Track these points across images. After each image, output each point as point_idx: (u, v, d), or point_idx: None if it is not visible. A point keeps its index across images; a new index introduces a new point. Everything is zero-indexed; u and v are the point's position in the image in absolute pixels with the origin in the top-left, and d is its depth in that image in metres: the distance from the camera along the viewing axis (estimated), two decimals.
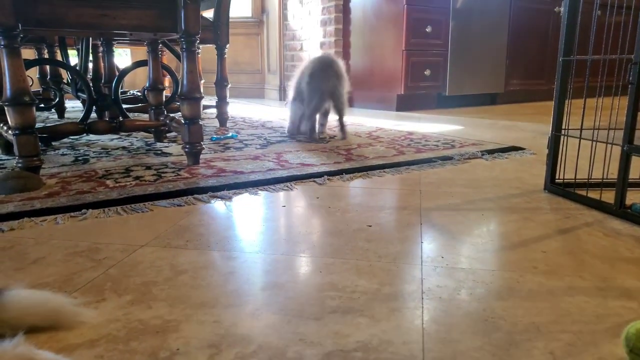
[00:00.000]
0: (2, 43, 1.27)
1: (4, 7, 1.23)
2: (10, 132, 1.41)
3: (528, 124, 2.85)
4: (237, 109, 3.85)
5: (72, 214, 1.15)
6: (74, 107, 3.76)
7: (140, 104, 2.81)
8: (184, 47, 1.53)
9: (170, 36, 1.72)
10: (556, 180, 1.35)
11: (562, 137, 1.32)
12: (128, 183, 1.40)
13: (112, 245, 0.97)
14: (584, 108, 1.24)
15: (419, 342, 0.64)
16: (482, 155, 1.86)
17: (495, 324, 0.68)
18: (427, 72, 3.67)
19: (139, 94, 3.01)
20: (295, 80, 2.27)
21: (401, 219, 1.13)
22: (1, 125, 1.68)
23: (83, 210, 1.15)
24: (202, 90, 1.67)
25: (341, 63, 2.22)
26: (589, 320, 0.69)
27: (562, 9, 1.28)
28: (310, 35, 4.26)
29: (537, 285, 0.80)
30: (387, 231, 1.06)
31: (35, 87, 3.30)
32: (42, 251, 0.94)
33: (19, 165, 1.38)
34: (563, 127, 1.32)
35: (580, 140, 1.25)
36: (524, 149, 1.99)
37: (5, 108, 1.32)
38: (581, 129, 1.24)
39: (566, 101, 1.30)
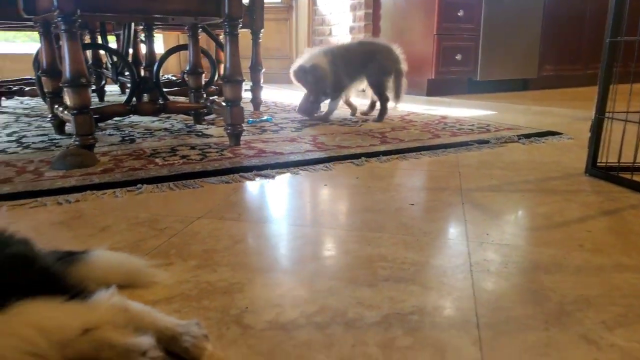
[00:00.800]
0: (63, 27, 1.33)
1: None
2: (66, 112, 1.48)
3: (563, 110, 2.81)
4: (268, 93, 3.89)
5: (128, 188, 1.21)
6: (111, 90, 3.87)
7: (175, 88, 2.88)
8: (227, 30, 1.58)
9: (211, 20, 1.76)
10: (598, 164, 1.36)
11: (605, 120, 1.32)
12: (176, 161, 1.47)
13: (170, 217, 1.03)
14: (630, 88, 1.24)
15: (471, 308, 0.68)
16: (519, 139, 1.87)
17: (545, 295, 0.71)
18: (459, 57, 3.63)
19: (174, 78, 3.08)
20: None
21: (443, 199, 1.16)
22: (56, 106, 1.76)
23: (138, 185, 1.22)
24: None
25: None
26: (639, 295, 0.71)
27: None
28: (340, 20, 4.26)
29: (584, 261, 0.82)
30: (430, 209, 1.09)
31: None
32: (107, 221, 1.00)
33: (76, 143, 1.46)
34: (607, 110, 1.31)
35: (625, 124, 1.25)
36: (561, 133, 1.98)
37: (65, 89, 1.39)
38: (627, 112, 1.23)
39: (611, 84, 1.30)
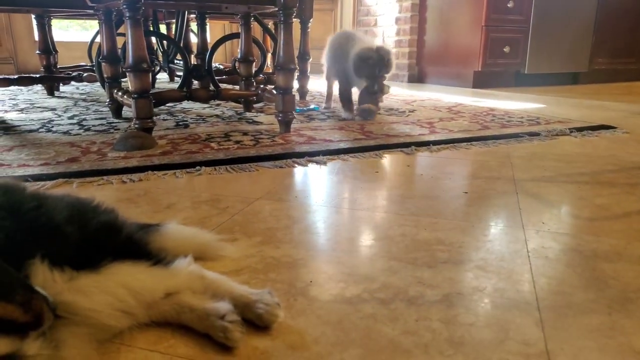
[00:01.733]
0: (127, 15, 1.40)
1: None
2: (126, 96, 1.56)
3: (617, 104, 2.72)
4: (312, 84, 3.92)
5: (187, 170, 1.26)
6: (160, 78, 3.99)
7: (224, 76, 2.95)
8: (282, 19, 1.61)
9: (264, 9, 1.80)
10: None
11: None
12: (230, 146, 1.52)
13: (230, 198, 1.07)
14: None
15: (531, 292, 0.69)
16: (571, 132, 1.83)
17: (607, 282, 0.71)
18: (507, 49, 3.56)
19: (221, 66, 3.15)
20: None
21: (496, 188, 1.16)
22: (115, 91, 1.85)
23: (197, 167, 1.27)
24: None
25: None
26: None
27: None
28: (385, 11, 4.23)
29: None
30: (484, 198, 1.09)
31: None
32: (171, 199, 1.06)
33: (136, 126, 1.53)
34: None
35: None
36: (615, 127, 1.92)
37: (127, 73, 1.46)
38: None
39: None
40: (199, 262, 0.74)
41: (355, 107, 2.11)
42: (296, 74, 2.74)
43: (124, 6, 1.39)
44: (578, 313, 0.63)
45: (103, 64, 1.92)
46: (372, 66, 1.94)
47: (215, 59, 5.11)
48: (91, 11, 2.05)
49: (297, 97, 2.79)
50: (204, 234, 0.79)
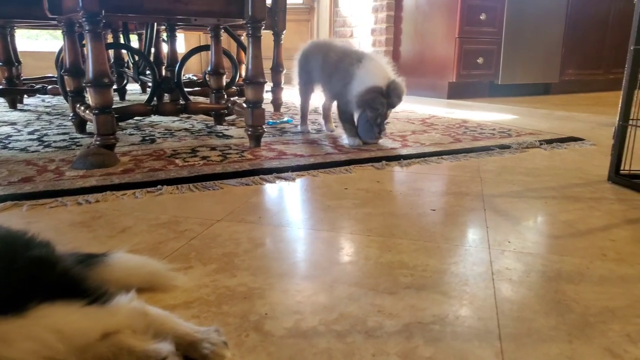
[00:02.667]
0: (87, 28, 1.35)
1: None
2: (88, 111, 1.50)
3: (585, 115, 2.76)
4: (288, 95, 3.90)
5: (148, 189, 1.22)
6: (132, 90, 3.92)
7: (196, 88, 2.91)
8: (250, 32, 1.58)
9: (234, 22, 1.77)
10: (621, 172, 1.33)
11: (629, 127, 1.29)
12: (196, 162, 1.48)
13: (190, 219, 1.03)
14: None
15: (493, 318, 0.67)
16: (541, 144, 1.84)
17: (568, 305, 0.70)
18: (480, 60, 3.60)
19: (194, 78, 3.11)
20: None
21: (464, 204, 1.15)
22: (78, 105, 1.79)
23: (159, 186, 1.23)
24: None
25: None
26: None
27: None
28: (361, 22, 4.25)
29: (607, 271, 0.80)
30: (452, 215, 1.08)
31: None
32: (127, 222, 1.01)
33: (97, 142, 1.48)
34: (631, 117, 1.29)
35: None
36: (583, 139, 1.94)
37: (87, 88, 1.41)
38: None
39: (635, 91, 1.27)
40: (147, 294, 0.71)
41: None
42: (269, 86, 2.71)
43: (83, 19, 1.35)
44: (538, 341, 0.61)
45: (65, 77, 1.86)
46: (385, 105, 1.70)
47: (190, 70, 5.07)
48: (55, 22, 1.99)
49: (272, 109, 2.77)
50: (153, 263, 0.75)
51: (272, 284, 0.76)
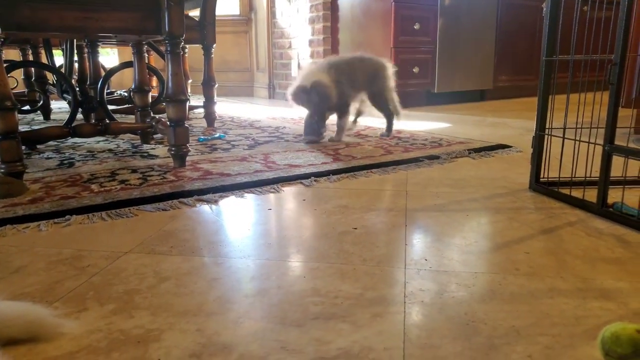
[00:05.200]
0: None
1: None
2: None
3: (516, 121, 2.86)
4: (225, 108, 3.83)
5: (55, 220, 1.14)
6: (60, 108, 3.73)
7: (127, 105, 2.79)
8: (169, 49, 1.52)
9: (154, 38, 1.70)
10: (541, 179, 1.36)
11: (545, 136, 1.33)
12: (113, 187, 1.40)
13: (96, 252, 0.96)
14: (566, 107, 1.25)
15: (399, 347, 0.65)
16: (469, 153, 1.87)
17: (476, 328, 0.69)
18: (416, 70, 3.67)
19: (125, 94, 2.99)
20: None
21: (386, 221, 1.14)
22: None
23: (67, 217, 1.15)
24: (188, 91, 1.66)
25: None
26: (567, 322, 0.70)
27: (544, 8, 1.29)
28: (299, 33, 4.25)
29: (518, 287, 0.81)
30: (372, 234, 1.06)
31: (20, 88, 3.27)
32: (24, 259, 0.93)
33: (1, 170, 1.37)
34: (547, 126, 1.33)
35: (563, 140, 1.26)
36: (511, 146, 2.00)
37: None
38: (564, 129, 1.25)
39: (549, 101, 1.31)
40: (27, 346, 0.64)
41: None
42: (202, 101, 2.65)
43: None
44: None
45: None
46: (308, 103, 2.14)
47: (123, 85, 4.89)
48: None
49: (205, 124, 2.70)
50: (35, 310, 0.68)
51: (172, 323, 0.71)
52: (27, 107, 3.02)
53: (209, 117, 2.63)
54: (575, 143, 1.22)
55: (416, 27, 3.60)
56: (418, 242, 1.01)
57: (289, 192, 1.40)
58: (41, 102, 2.77)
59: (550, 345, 0.64)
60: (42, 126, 2.34)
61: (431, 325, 0.70)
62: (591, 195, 1.17)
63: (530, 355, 0.62)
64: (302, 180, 1.50)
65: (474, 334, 0.67)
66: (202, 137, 2.22)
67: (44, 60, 2.83)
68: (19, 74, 3.37)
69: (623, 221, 1.09)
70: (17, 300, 0.75)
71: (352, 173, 1.58)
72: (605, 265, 0.89)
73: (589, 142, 1.19)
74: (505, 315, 0.72)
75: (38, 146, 1.99)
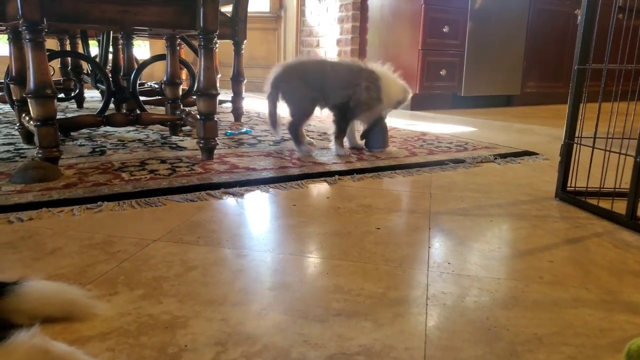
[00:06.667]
0: (28, 37, 1.30)
1: (30, 3, 1.26)
2: (32, 122, 1.45)
3: (543, 128, 2.82)
4: (252, 103, 3.87)
5: (88, 205, 1.17)
6: (92, 97, 3.82)
7: (157, 97, 2.85)
8: (202, 44, 1.55)
9: (188, 32, 1.74)
10: (568, 188, 1.35)
11: (574, 145, 1.31)
12: (143, 176, 1.43)
13: (126, 239, 0.99)
14: (597, 117, 1.23)
15: (420, 348, 0.65)
16: (495, 159, 1.86)
17: (498, 333, 0.69)
18: (443, 72, 3.64)
19: (156, 86, 3.05)
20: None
21: (410, 222, 1.14)
22: (23, 115, 1.72)
23: (99, 203, 1.18)
24: (218, 86, 1.69)
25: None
26: (592, 333, 0.69)
27: (579, 16, 1.27)
28: (327, 32, 4.26)
29: (542, 295, 0.81)
30: (395, 234, 1.07)
31: (56, 76, 3.36)
32: (58, 242, 0.97)
33: (39, 155, 1.42)
34: (576, 135, 1.31)
35: (593, 149, 1.24)
36: (538, 154, 1.98)
37: (28, 100, 1.36)
38: (595, 138, 1.23)
39: (580, 109, 1.30)
40: (63, 325, 0.67)
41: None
42: (230, 96, 2.68)
43: (24, 27, 1.30)
44: None
45: (12, 85, 1.79)
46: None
47: (154, 77, 4.98)
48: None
49: (232, 119, 2.73)
50: (71, 290, 0.71)
51: (198, 311, 0.73)
52: (62, 95, 3.10)
53: (237, 112, 2.67)
54: (605, 153, 1.21)
55: (445, 29, 3.58)
56: (441, 245, 1.01)
57: (313, 189, 1.42)
58: (77, 90, 2.85)
59: (574, 355, 0.64)
60: (76, 114, 2.40)
61: (452, 328, 0.70)
62: (620, 207, 1.16)
63: None
64: (326, 178, 1.51)
65: (496, 339, 0.68)
66: (230, 131, 2.26)
67: (80, 49, 2.91)
68: (55, 62, 3.47)
69: None
70: (53, 280, 0.78)
71: (375, 173, 1.58)
72: (632, 278, 0.88)
73: (619, 153, 1.18)
74: (528, 323, 0.72)
75: (72, 133, 2.05)
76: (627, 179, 1.13)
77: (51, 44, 3.96)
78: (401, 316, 0.73)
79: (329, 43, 4.25)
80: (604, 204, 1.22)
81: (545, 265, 0.92)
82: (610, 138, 1.23)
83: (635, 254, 0.98)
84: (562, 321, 0.73)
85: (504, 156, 1.90)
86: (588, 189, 1.28)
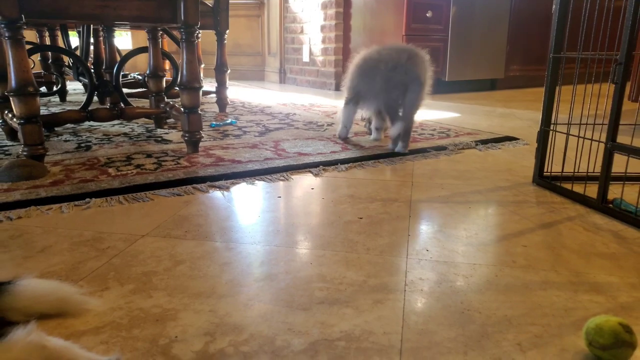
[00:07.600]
0: (7, 35, 1.30)
1: (8, 0, 1.26)
2: (15, 120, 1.45)
3: (525, 112, 2.87)
4: (237, 92, 3.87)
5: (76, 202, 1.19)
6: (74, 89, 3.79)
7: (141, 89, 2.84)
8: (184, 37, 1.56)
9: (170, 25, 1.74)
10: (544, 174, 1.40)
11: (550, 132, 1.36)
12: (129, 172, 1.45)
13: (114, 235, 1.02)
14: (572, 104, 1.28)
15: (398, 332, 0.70)
16: (476, 145, 1.90)
17: (471, 316, 0.74)
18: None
19: (139, 77, 3.04)
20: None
21: (391, 211, 1.18)
22: (6, 112, 1.72)
23: (87, 200, 1.20)
24: (201, 78, 1.70)
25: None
26: (557, 313, 0.74)
27: (554, 4, 1.31)
28: (311, 18, 4.25)
29: (513, 279, 0.85)
30: (377, 223, 1.11)
31: (37, 69, 3.32)
32: (48, 240, 0.99)
33: (24, 153, 1.43)
34: (552, 121, 1.35)
35: (567, 136, 1.29)
36: (518, 139, 2.03)
37: (10, 98, 1.36)
38: (569, 124, 1.28)
39: (555, 96, 1.34)
40: (57, 321, 0.70)
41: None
42: (214, 86, 2.68)
43: (2, 25, 1.30)
44: (437, 354, 0.65)
45: None
46: None
47: (137, 68, 4.92)
48: None
49: (217, 109, 2.74)
50: (64, 287, 0.74)
51: (187, 304, 0.76)
52: (43, 89, 3.07)
53: (221, 102, 2.67)
54: (578, 139, 1.25)
55: (428, 14, 3.60)
56: (421, 233, 1.05)
57: (298, 180, 1.45)
58: (59, 85, 2.83)
59: (539, 334, 0.69)
60: (59, 108, 2.40)
61: (429, 313, 0.75)
62: (592, 190, 1.21)
63: (520, 343, 0.67)
64: (311, 169, 1.54)
65: (469, 322, 0.72)
66: (214, 122, 2.27)
67: (60, 42, 2.88)
68: (36, 55, 3.43)
69: (621, 217, 1.12)
70: (45, 278, 0.81)
71: (359, 163, 1.62)
72: (599, 260, 0.93)
73: (592, 140, 1.22)
74: (499, 305, 0.76)
75: (56, 129, 2.05)
76: (600, 164, 1.18)
77: (30, 36, 3.90)
78: (380, 302, 0.77)
79: (313, 29, 4.25)
80: (578, 188, 1.27)
81: (519, 250, 0.97)
82: (583, 124, 1.28)
83: (603, 237, 1.03)
84: (531, 303, 0.77)
85: (485, 142, 1.95)
86: (563, 173, 1.33)
